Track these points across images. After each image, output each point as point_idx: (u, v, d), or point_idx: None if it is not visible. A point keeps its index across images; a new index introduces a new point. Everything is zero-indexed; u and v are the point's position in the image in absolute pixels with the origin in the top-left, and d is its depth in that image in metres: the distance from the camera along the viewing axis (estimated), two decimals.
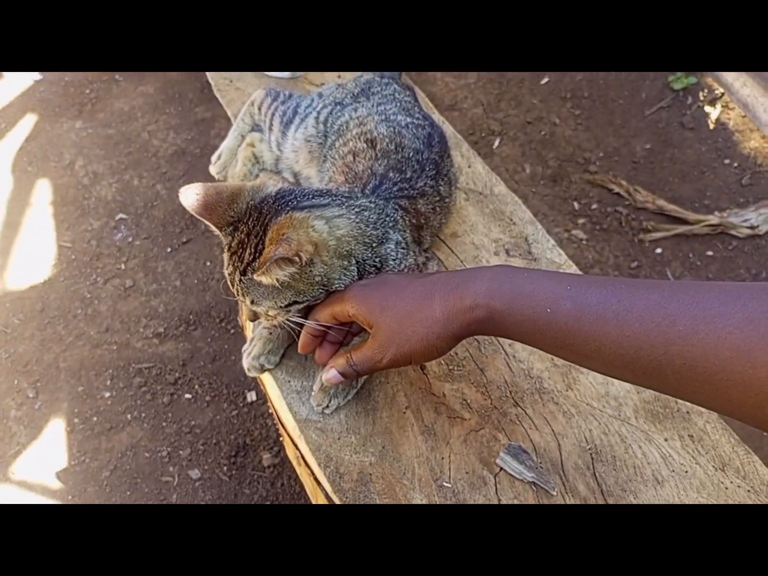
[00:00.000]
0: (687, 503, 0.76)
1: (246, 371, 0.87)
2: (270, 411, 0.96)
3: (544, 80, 2.20)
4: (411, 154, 0.91)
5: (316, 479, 0.80)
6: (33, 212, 1.92)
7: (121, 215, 1.90)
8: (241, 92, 1.27)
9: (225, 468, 1.40)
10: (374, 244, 0.78)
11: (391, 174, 0.88)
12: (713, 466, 0.79)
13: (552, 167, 1.97)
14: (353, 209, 0.78)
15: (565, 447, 0.80)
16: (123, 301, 1.71)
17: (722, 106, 2.03)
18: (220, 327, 1.66)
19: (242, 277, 0.74)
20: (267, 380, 0.89)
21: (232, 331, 1.65)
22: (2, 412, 1.54)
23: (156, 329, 1.65)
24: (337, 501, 0.75)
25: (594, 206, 1.87)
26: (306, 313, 0.86)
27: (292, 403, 0.84)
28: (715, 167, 1.93)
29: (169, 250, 1.82)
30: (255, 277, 0.71)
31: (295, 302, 0.76)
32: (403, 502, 0.75)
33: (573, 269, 0.99)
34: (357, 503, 0.74)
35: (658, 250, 1.76)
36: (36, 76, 2.32)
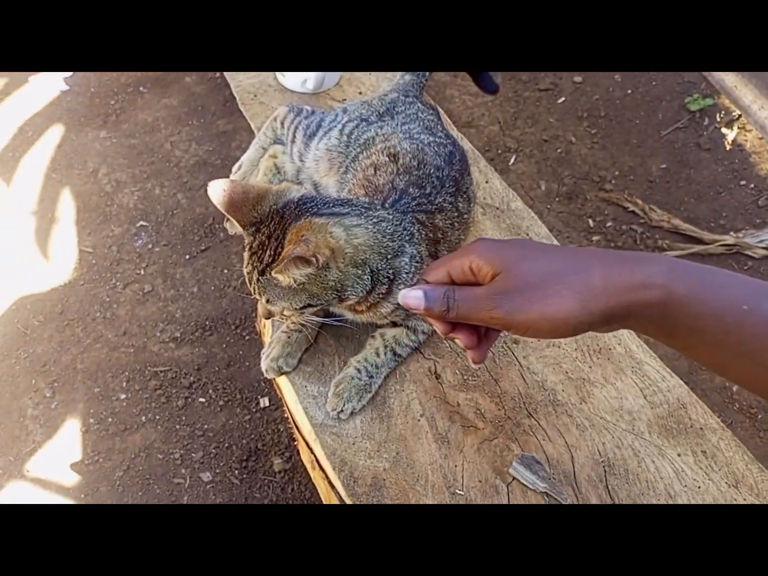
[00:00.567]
0: None
1: (264, 372, 0.89)
2: (285, 415, 0.98)
3: (561, 99, 2.22)
4: (432, 171, 0.93)
5: (330, 483, 0.81)
6: (56, 217, 1.97)
7: (142, 222, 1.94)
8: (265, 106, 1.30)
9: (236, 472, 1.42)
10: (389, 256, 0.80)
11: (411, 189, 0.90)
12: (726, 483, 0.79)
13: (567, 185, 1.99)
14: (371, 219, 0.80)
15: (578, 459, 0.81)
16: (141, 306, 1.74)
17: (739, 128, 2.03)
18: (235, 333, 1.68)
19: (260, 277, 0.76)
20: (283, 384, 0.90)
21: (247, 337, 1.67)
22: (19, 411, 1.57)
23: (173, 334, 1.67)
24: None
25: (609, 224, 1.87)
26: (325, 314, 0.88)
27: (308, 407, 0.85)
28: (731, 188, 1.94)
29: (187, 257, 1.85)
30: (273, 274, 0.73)
31: (309, 305, 0.78)
32: None
33: None
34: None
35: None
36: (63, 86, 2.38)
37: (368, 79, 1.35)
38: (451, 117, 1.72)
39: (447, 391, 0.87)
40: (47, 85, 2.37)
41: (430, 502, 0.76)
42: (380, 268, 0.80)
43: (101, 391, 1.58)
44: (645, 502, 0.77)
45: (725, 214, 1.88)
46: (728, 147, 2.01)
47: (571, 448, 0.81)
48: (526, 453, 0.80)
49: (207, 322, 1.70)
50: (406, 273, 0.83)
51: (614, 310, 0.46)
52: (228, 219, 1.13)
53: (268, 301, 0.78)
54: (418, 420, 0.84)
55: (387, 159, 0.94)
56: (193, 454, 1.45)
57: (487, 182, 1.17)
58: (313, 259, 0.71)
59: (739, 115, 2.05)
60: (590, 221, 1.88)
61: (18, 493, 1.43)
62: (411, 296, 0.52)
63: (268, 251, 0.75)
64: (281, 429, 1.48)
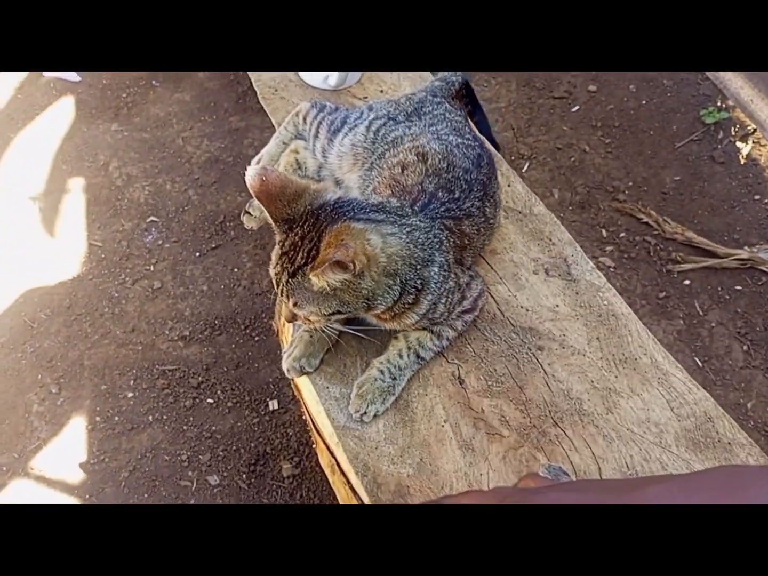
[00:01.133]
0: None
1: (285, 372, 0.87)
2: (303, 417, 0.96)
3: (575, 108, 2.22)
4: (460, 174, 0.92)
5: (351, 488, 0.79)
6: (65, 210, 1.96)
7: (152, 218, 1.92)
8: (285, 101, 1.29)
9: (244, 476, 1.40)
10: (419, 266, 0.79)
11: (441, 193, 0.89)
12: None
13: (580, 194, 1.98)
14: (405, 228, 0.79)
15: (606, 471, 0.79)
16: (150, 303, 1.72)
17: (754, 142, 2.03)
18: (244, 334, 1.66)
19: (290, 279, 0.74)
20: (304, 385, 0.89)
21: (256, 338, 1.65)
22: (25, 406, 1.55)
23: (181, 332, 1.65)
24: None
25: (622, 234, 1.86)
26: (347, 321, 0.86)
27: (330, 409, 0.83)
28: (745, 202, 1.93)
29: (197, 254, 1.84)
30: (310, 276, 0.71)
31: (338, 312, 0.76)
32: None
33: (612, 293, 0.99)
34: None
35: (687, 282, 1.75)
36: (75, 77, 2.37)
37: (390, 77, 1.34)
38: None
39: (471, 396, 0.85)
40: (59, 76, 2.35)
41: None
42: (409, 278, 0.78)
43: (108, 389, 1.56)
44: None
45: (739, 228, 1.87)
46: (743, 161, 2.00)
47: (598, 459, 0.80)
48: (553, 463, 0.78)
49: (216, 322, 1.68)
50: (435, 283, 0.81)
51: None
52: (246, 213, 1.12)
53: (295, 304, 0.76)
54: (442, 426, 0.82)
55: (416, 158, 0.92)
56: (200, 456, 1.43)
57: (509, 186, 1.15)
58: (351, 265, 0.69)
59: (755, 130, 2.04)
60: (603, 231, 1.87)
61: (21, 491, 1.41)
62: None
63: (300, 253, 0.73)
64: (290, 433, 1.46)
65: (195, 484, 1.39)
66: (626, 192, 1.97)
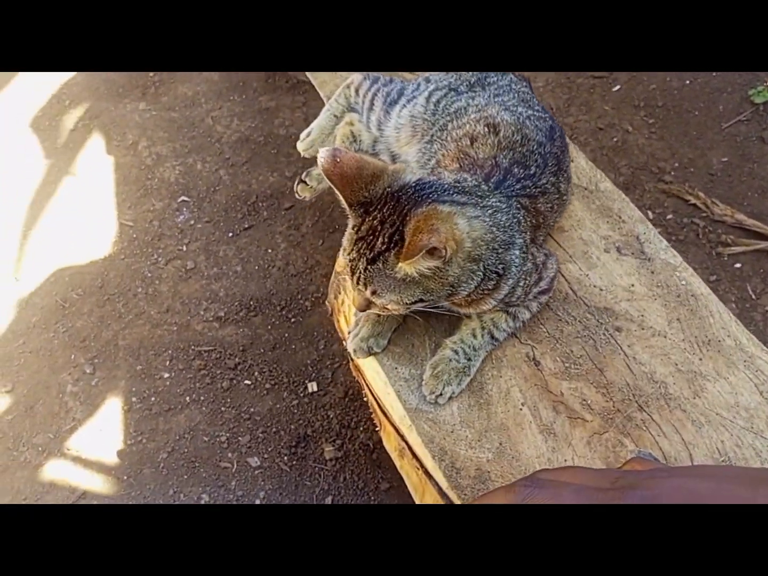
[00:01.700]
0: None
1: (351, 353, 0.82)
2: (365, 399, 0.92)
3: (616, 87, 2.14)
4: (534, 147, 0.86)
5: (426, 473, 0.75)
6: (94, 189, 1.92)
7: (183, 198, 1.88)
8: (333, 74, 1.24)
9: (285, 458, 1.36)
10: (500, 250, 0.74)
11: (516, 169, 0.83)
12: None
13: (624, 174, 1.91)
14: (487, 211, 0.74)
15: (697, 457, 0.74)
16: (184, 283, 1.69)
17: None
18: (280, 315, 1.62)
19: (369, 266, 0.69)
20: (369, 366, 0.84)
21: (292, 320, 1.61)
22: (58, 387, 1.52)
23: (216, 313, 1.62)
24: (453, 497, 0.70)
25: (669, 216, 1.80)
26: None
27: (401, 391, 0.79)
28: None
29: (230, 234, 1.79)
30: (401, 264, 0.66)
31: (421, 300, 0.71)
32: None
33: (689, 272, 0.93)
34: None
35: (738, 265, 1.68)
36: None
37: None
38: None
39: (548, 379, 0.81)
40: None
41: None
42: (490, 263, 0.73)
43: (143, 369, 1.52)
44: None
45: None
46: None
47: (688, 445, 0.75)
48: (643, 450, 0.73)
49: (251, 303, 1.64)
50: (516, 267, 0.76)
51: None
52: (300, 182, 1.07)
53: (374, 292, 0.70)
54: (520, 409, 0.78)
55: (486, 129, 0.87)
56: (239, 438, 1.40)
57: (572, 161, 1.10)
58: (443, 251, 0.64)
59: None
60: (650, 213, 1.81)
61: (58, 471, 1.38)
62: None
63: (380, 238, 0.68)
64: (331, 415, 1.42)
65: (235, 466, 1.36)
66: (672, 173, 1.90)
